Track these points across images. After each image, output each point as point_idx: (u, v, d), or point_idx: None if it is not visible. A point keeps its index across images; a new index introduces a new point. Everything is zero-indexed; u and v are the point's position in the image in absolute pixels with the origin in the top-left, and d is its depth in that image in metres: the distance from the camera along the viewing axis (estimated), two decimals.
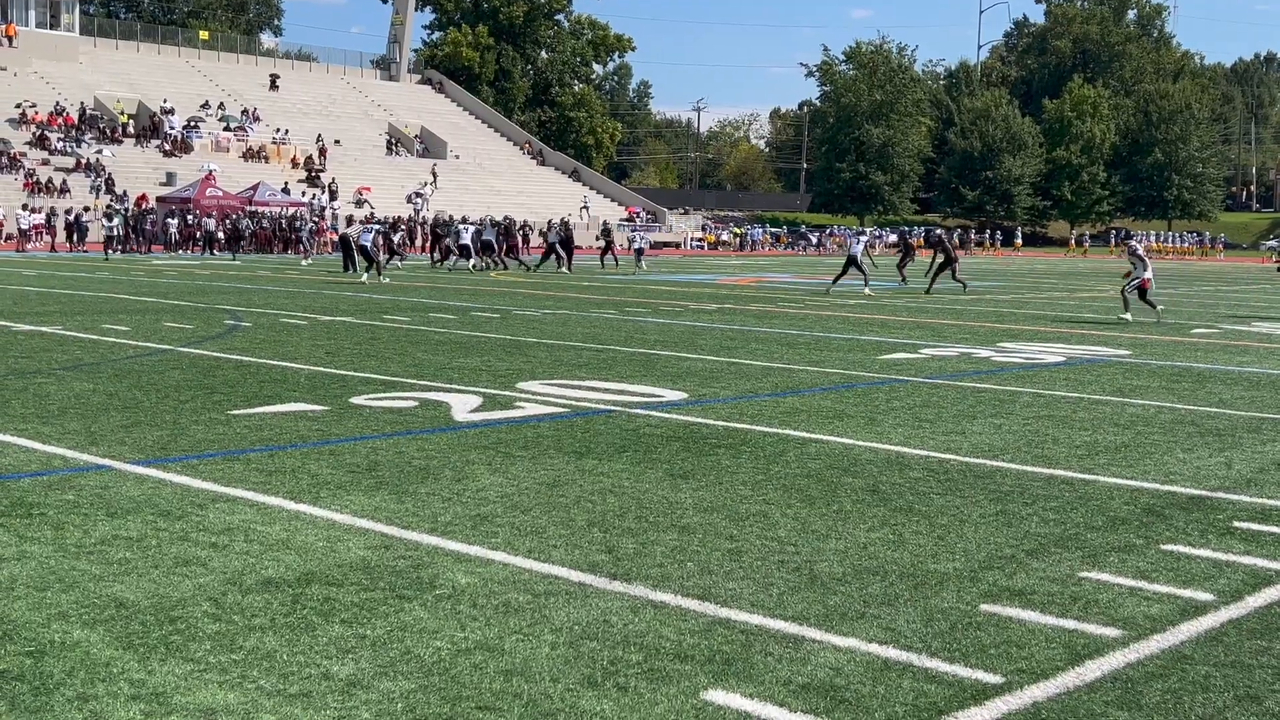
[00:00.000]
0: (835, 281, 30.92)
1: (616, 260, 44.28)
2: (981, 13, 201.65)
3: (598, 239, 46.66)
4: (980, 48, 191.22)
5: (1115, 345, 17.95)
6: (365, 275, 30.90)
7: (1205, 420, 10.97)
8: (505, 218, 47.77)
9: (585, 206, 73.29)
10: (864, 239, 32.75)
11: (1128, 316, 22.22)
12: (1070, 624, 5.26)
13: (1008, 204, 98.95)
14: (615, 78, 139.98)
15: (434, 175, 72.00)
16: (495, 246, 40.61)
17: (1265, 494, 7.90)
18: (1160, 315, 22.38)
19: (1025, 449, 9.30)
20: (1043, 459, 8.92)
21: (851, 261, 29.77)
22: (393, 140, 78.73)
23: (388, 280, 30.51)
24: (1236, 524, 7.08)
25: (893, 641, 4.99)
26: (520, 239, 57.83)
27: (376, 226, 33.55)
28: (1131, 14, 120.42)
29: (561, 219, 47.97)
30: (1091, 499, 7.65)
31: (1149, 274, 22.37)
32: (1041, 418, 10.86)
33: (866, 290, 29.61)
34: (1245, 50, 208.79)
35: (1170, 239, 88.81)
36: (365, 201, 63.72)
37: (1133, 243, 23.84)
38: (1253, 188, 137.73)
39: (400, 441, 9.05)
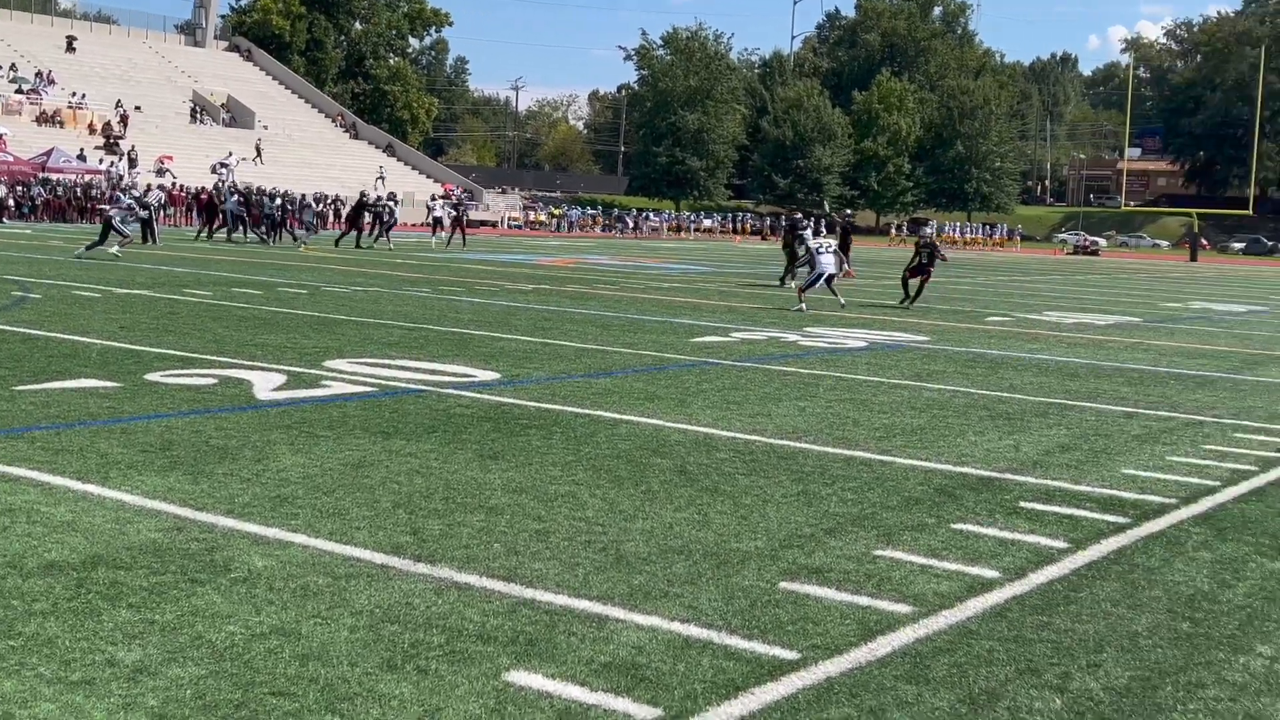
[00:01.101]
0: (784, 277, 29.04)
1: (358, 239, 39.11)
2: (795, 4, 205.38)
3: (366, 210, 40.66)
4: (793, 39, 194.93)
5: (915, 331, 18.56)
6: (112, 246, 28.07)
7: (996, 405, 11.44)
8: (245, 186, 46.29)
9: (381, 177, 71.06)
10: (810, 229, 31.07)
11: (803, 307, 21.33)
12: (864, 600, 5.42)
13: (818, 192, 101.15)
14: (432, 52, 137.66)
15: (258, 149, 69.54)
16: (245, 218, 39.67)
17: (1050, 475, 8.28)
18: (802, 309, 21.39)
19: (827, 431, 9.55)
20: (843, 440, 9.16)
21: (792, 256, 28.04)
22: (197, 108, 75.92)
23: (82, 252, 27.70)
24: (1023, 504, 7.40)
25: (694, 620, 5.06)
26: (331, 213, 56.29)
27: (129, 202, 32.17)
28: (937, 11, 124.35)
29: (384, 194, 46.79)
30: (888, 479, 7.90)
31: (826, 269, 21.93)
32: (843, 401, 11.16)
33: (849, 267, 29.67)
34: (1043, 50, 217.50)
35: (979, 230, 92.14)
36: (167, 170, 61.39)
37: (806, 234, 24.40)
38: (1047, 182, 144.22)
39: (197, 420, 8.75)
